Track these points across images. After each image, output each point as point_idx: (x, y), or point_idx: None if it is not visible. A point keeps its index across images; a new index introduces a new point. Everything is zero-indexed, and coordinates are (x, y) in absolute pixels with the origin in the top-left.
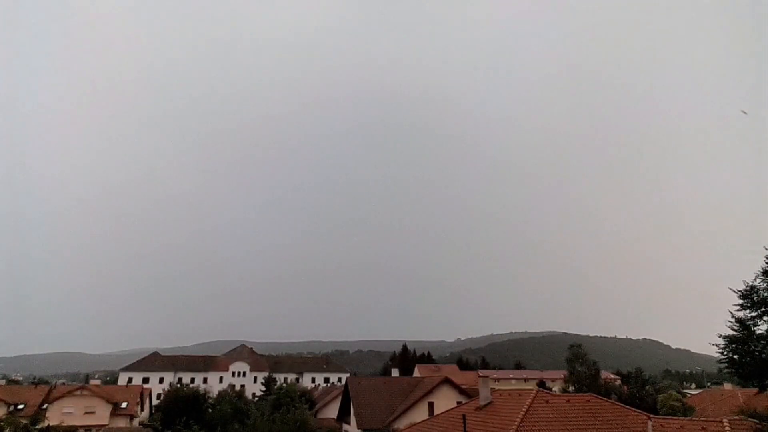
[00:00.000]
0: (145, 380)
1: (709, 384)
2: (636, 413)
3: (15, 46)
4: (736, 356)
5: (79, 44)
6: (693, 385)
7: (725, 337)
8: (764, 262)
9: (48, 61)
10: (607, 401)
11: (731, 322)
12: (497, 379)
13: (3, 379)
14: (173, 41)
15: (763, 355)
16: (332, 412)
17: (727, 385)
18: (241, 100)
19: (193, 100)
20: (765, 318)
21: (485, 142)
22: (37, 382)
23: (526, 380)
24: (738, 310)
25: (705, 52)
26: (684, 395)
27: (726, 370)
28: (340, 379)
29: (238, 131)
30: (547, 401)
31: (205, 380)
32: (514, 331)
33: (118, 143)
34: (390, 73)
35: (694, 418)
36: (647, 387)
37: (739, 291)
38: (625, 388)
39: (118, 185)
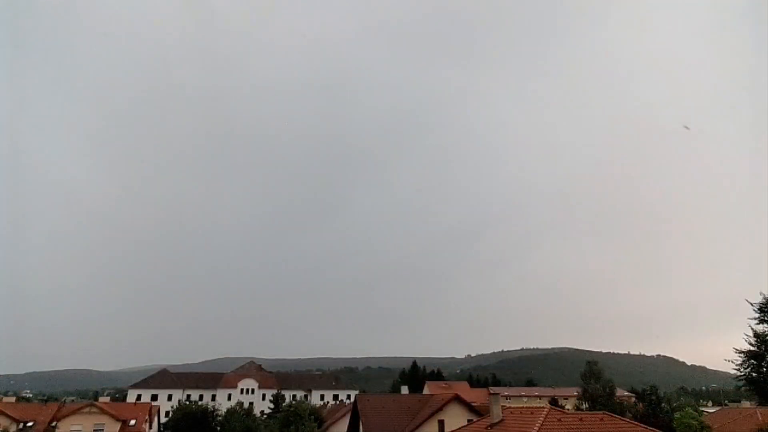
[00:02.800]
0: (154, 397)
1: (726, 402)
2: None
3: (14, 45)
4: (754, 374)
5: (78, 43)
6: (710, 403)
7: (743, 352)
8: None
9: (49, 60)
10: (621, 420)
11: (748, 336)
12: (508, 397)
13: (13, 396)
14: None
15: None
16: (341, 430)
17: (746, 403)
18: (244, 104)
19: (199, 99)
20: None
21: (486, 150)
22: (47, 400)
23: (539, 398)
24: (757, 324)
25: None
26: (701, 413)
27: (743, 388)
28: (349, 397)
29: (245, 136)
30: (559, 419)
31: (213, 397)
32: (525, 348)
33: (127, 150)
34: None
35: None
36: (663, 405)
37: (757, 303)
38: (641, 406)
39: (126, 201)
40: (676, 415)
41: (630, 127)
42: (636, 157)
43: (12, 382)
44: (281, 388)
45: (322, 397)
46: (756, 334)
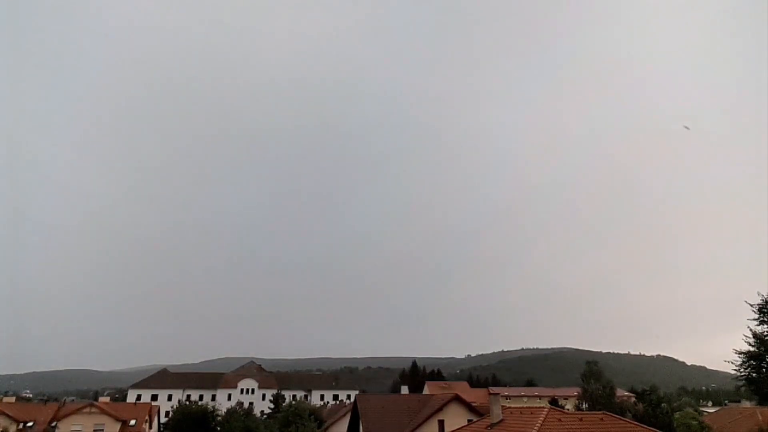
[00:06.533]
0: (154, 397)
1: (726, 402)
2: None
3: (14, 45)
4: (754, 374)
5: (78, 43)
6: (710, 403)
7: (742, 353)
8: None
9: (49, 60)
10: (621, 420)
11: (747, 337)
12: (508, 397)
13: (13, 396)
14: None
15: None
16: (341, 430)
17: (746, 403)
18: (246, 101)
19: (200, 98)
20: None
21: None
22: (47, 400)
23: (539, 398)
24: (757, 325)
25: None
26: (701, 413)
27: (743, 388)
28: (349, 397)
29: (245, 134)
30: (559, 419)
31: (213, 397)
32: (525, 348)
33: (127, 149)
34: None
35: None
36: (663, 405)
37: (756, 304)
38: (641, 406)
39: (126, 201)
40: (677, 415)
41: (630, 127)
42: (636, 157)
43: (12, 382)
44: (281, 388)
45: (322, 397)
46: (755, 335)
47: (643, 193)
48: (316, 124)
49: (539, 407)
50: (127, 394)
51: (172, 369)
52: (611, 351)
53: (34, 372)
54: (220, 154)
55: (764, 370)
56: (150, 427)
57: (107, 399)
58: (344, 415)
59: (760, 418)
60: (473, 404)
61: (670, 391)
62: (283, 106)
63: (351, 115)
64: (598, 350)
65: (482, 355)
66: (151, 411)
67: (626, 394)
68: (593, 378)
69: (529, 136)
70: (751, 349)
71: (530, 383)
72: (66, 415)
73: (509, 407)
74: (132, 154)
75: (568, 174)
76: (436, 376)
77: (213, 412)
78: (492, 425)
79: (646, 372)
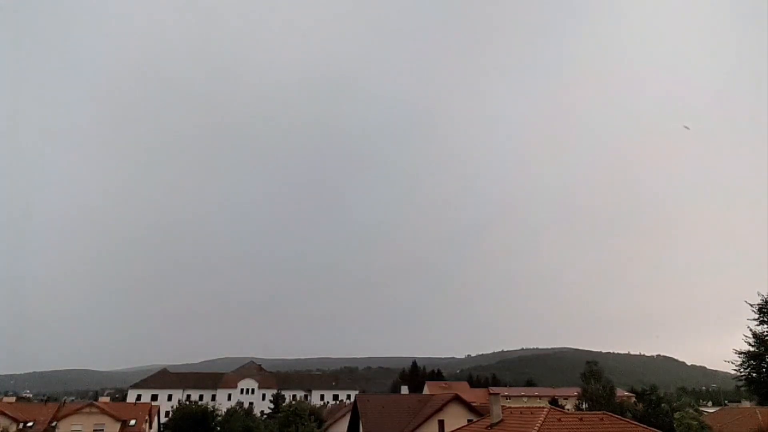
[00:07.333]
0: (154, 397)
1: (726, 402)
2: None
3: (14, 44)
4: (754, 374)
5: (77, 42)
6: (710, 403)
7: (742, 353)
8: None
9: (48, 59)
10: (621, 420)
11: (747, 337)
12: (508, 397)
13: (13, 396)
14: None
15: None
16: (341, 430)
17: (746, 403)
18: (248, 99)
19: (200, 96)
20: None
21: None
22: (47, 400)
23: (539, 398)
24: (757, 325)
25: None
26: (701, 413)
27: (743, 388)
28: (349, 397)
29: (246, 133)
30: (559, 419)
31: (213, 397)
32: (525, 348)
33: (127, 148)
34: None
35: None
36: (662, 405)
37: (756, 304)
38: (640, 406)
39: (126, 201)
40: (676, 415)
41: (630, 126)
42: (635, 157)
43: (12, 382)
44: (281, 388)
45: (322, 397)
46: (755, 335)
47: (643, 193)
48: (316, 121)
49: (539, 407)
50: (127, 394)
51: (172, 369)
52: (611, 351)
53: (34, 372)
54: (221, 153)
55: (764, 370)
56: (150, 427)
57: (107, 399)
58: (344, 415)
59: (760, 418)
60: (473, 404)
61: (670, 391)
62: (285, 104)
63: (352, 111)
64: (598, 350)
65: (482, 355)
66: (151, 411)
67: (626, 394)
68: (593, 378)
69: (530, 136)
70: (751, 349)
71: (530, 383)
72: (66, 415)
73: (509, 407)
74: (132, 153)
75: (568, 174)
76: (436, 376)
77: (213, 412)
78: (492, 425)
79: (646, 372)
